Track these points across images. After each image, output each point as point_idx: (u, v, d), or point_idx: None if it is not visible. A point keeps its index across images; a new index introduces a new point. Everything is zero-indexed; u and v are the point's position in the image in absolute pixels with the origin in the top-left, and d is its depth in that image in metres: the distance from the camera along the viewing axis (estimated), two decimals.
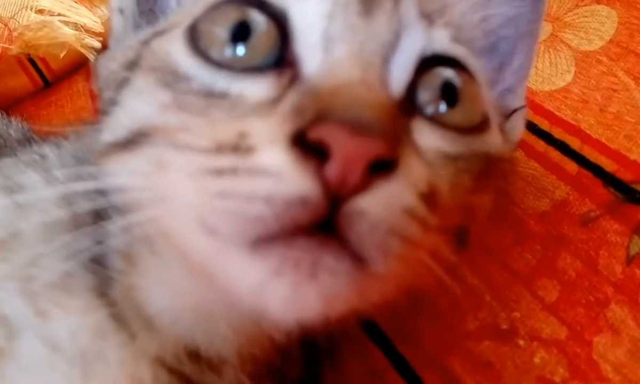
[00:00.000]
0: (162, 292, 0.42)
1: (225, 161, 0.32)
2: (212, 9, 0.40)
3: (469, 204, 0.39)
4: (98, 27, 0.85)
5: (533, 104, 0.69)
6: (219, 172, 0.32)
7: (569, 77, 0.71)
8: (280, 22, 0.38)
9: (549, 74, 0.72)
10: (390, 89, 0.37)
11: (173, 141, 0.35)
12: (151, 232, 0.39)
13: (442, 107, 0.39)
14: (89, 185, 0.39)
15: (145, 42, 0.42)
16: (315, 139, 0.30)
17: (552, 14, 0.77)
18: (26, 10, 0.82)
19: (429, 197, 0.34)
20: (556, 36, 0.75)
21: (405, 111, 0.37)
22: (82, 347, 0.40)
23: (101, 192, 0.38)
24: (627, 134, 0.65)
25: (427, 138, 0.37)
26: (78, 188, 0.40)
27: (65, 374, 0.40)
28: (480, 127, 0.41)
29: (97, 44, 0.85)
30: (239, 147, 0.32)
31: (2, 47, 0.80)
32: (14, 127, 0.71)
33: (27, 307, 0.41)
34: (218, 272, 0.34)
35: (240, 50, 0.37)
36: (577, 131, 0.67)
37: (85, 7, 0.86)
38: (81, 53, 0.84)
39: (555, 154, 0.66)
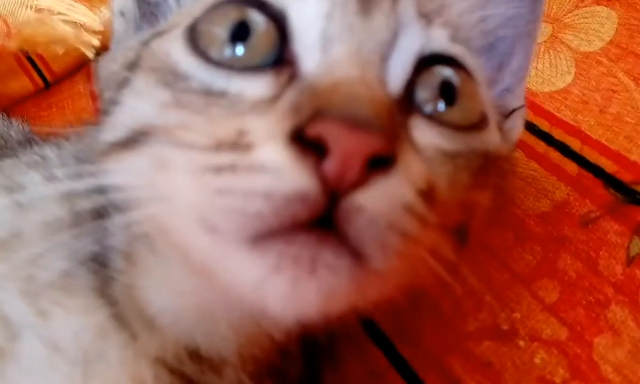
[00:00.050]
0: (163, 292, 0.42)
1: (225, 158, 0.32)
2: (212, 9, 0.40)
3: (468, 201, 0.39)
4: (97, 26, 0.86)
5: (533, 105, 0.69)
6: (218, 170, 0.32)
7: (569, 78, 0.72)
8: (280, 22, 0.38)
9: (549, 75, 0.72)
10: (389, 87, 0.37)
11: (173, 139, 0.35)
12: (151, 230, 0.39)
13: (441, 106, 0.39)
14: (89, 183, 0.39)
15: (145, 43, 0.42)
16: (313, 135, 0.30)
17: (552, 15, 0.77)
18: (25, 8, 0.82)
19: (428, 194, 0.34)
20: (556, 37, 0.75)
21: (404, 109, 0.38)
22: (83, 347, 0.40)
23: (101, 191, 0.38)
24: (627, 135, 0.65)
25: (425, 135, 0.37)
26: (78, 186, 0.40)
27: (66, 375, 0.40)
28: (478, 125, 0.41)
29: (96, 42, 0.85)
30: (238, 144, 0.32)
31: (1, 44, 0.80)
32: (14, 128, 0.71)
33: (28, 307, 0.41)
34: (218, 270, 0.34)
35: (240, 50, 0.38)
36: (577, 132, 0.67)
37: (85, 6, 0.86)
38: (81, 54, 0.85)
39: (555, 155, 0.66)
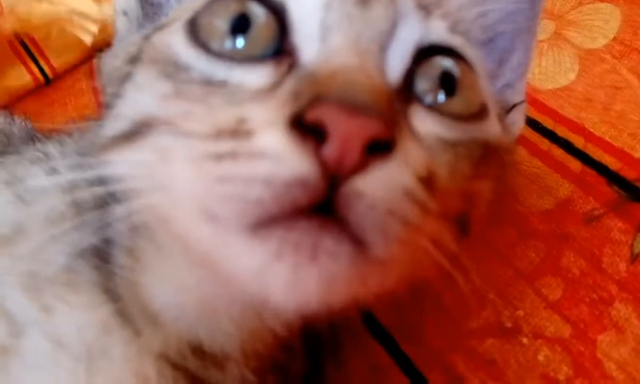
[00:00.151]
0: (166, 287, 0.42)
1: (225, 145, 0.32)
2: (213, 2, 0.40)
3: (469, 190, 0.39)
4: (95, 14, 0.86)
5: (537, 102, 0.69)
6: (219, 157, 0.32)
7: (572, 76, 0.71)
8: (279, 14, 0.39)
9: (553, 72, 0.72)
10: (388, 76, 0.38)
11: (174, 129, 0.35)
12: (152, 222, 0.39)
13: (441, 96, 0.39)
14: (91, 174, 0.39)
15: (147, 37, 0.43)
16: (312, 120, 0.30)
17: (555, 12, 0.77)
18: None
19: (428, 181, 0.34)
20: (560, 34, 0.75)
21: (403, 98, 0.38)
22: (86, 343, 0.40)
23: (103, 182, 0.38)
24: (631, 132, 0.65)
25: (425, 124, 0.37)
26: (79, 177, 0.40)
27: (69, 371, 0.40)
28: (478, 114, 0.41)
29: (94, 29, 0.85)
30: (238, 131, 0.33)
31: None
32: (17, 125, 0.71)
33: (31, 303, 0.41)
34: (219, 259, 0.34)
35: (240, 42, 0.38)
36: (580, 129, 0.67)
37: None
38: (82, 50, 0.85)
39: (559, 152, 0.66)
